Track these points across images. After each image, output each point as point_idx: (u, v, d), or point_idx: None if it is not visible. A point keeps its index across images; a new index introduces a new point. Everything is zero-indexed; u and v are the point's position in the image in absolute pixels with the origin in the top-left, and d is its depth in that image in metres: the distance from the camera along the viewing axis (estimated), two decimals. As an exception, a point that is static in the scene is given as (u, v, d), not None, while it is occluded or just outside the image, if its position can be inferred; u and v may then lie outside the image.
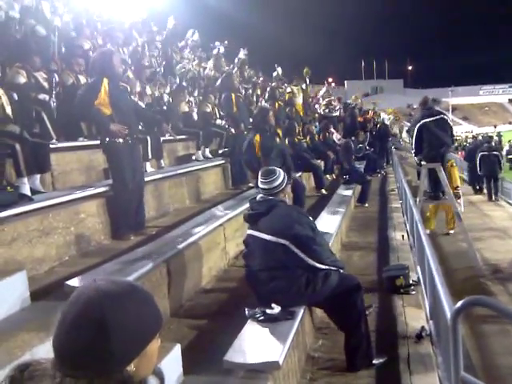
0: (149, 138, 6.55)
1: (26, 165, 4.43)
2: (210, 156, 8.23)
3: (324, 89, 17.50)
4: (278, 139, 6.82)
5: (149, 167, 6.67)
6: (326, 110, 15.31)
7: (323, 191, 9.57)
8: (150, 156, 6.62)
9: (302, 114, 12.26)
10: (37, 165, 4.65)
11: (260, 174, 3.64)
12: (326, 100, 15.75)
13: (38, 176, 4.69)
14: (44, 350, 2.16)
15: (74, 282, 3.13)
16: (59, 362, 1.00)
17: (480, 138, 25.61)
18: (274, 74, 15.24)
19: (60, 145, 5.44)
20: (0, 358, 2.07)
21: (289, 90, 12.81)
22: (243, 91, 10.67)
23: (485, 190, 16.81)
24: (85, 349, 0.98)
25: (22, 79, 5.25)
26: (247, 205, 3.85)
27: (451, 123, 8.64)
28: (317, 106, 15.55)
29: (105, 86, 4.51)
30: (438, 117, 8.27)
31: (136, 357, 1.04)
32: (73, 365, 0.98)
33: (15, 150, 4.39)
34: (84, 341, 0.98)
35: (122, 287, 1.06)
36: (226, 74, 9.02)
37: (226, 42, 13.68)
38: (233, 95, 8.05)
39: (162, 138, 7.36)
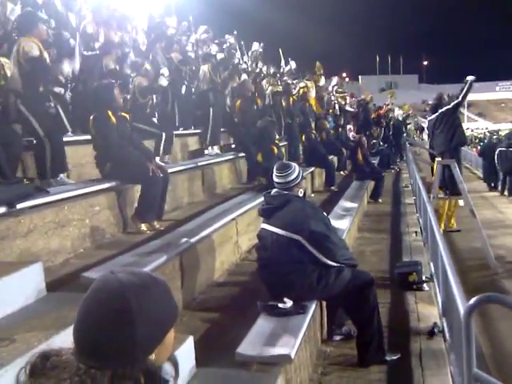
0: (163, 135, 6.57)
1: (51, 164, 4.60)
2: (220, 152, 8.25)
3: (334, 80, 17.29)
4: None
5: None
6: (343, 103, 15.24)
7: (333, 188, 9.55)
8: (160, 152, 6.57)
9: (315, 109, 12.21)
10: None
11: (275, 168, 3.63)
12: (340, 91, 15.67)
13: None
14: (60, 340, 2.19)
15: (90, 274, 3.18)
16: (82, 353, 1.00)
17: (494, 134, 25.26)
18: (287, 67, 15.11)
19: (75, 138, 5.49)
20: (17, 347, 2.11)
21: (302, 84, 12.74)
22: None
23: (499, 187, 16.58)
24: (110, 339, 0.98)
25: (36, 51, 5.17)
26: (260, 199, 3.86)
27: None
28: (333, 97, 15.42)
29: (112, 118, 4.76)
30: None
31: (158, 346, 1.06)
32: (97, 356, 0.99)
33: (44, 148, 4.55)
34: (110, 331, 0.98)
35: (143, 278, 1.07)
36: (241, 81, 9.02)
37: (235, 32, 13.50)
38: (239, 100, 8.25)
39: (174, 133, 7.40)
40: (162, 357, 1.10)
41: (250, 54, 13.98)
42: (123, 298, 1.00)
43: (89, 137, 5.21)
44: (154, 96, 7.15)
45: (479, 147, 29.91)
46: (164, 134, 6.55)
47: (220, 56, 9.57)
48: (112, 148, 4.74)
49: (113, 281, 1.03)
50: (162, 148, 6.55)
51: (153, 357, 1.05)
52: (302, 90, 12.22)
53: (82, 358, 1.00)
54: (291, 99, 10.73)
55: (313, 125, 10.65)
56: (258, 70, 12.18)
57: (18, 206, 3.54)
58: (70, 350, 1.04)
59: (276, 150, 6.81)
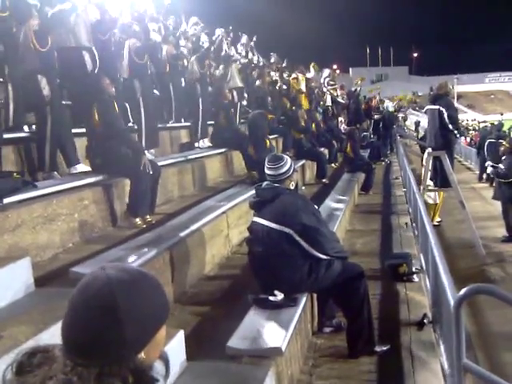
0: (143, 127, 6.47)
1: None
2: (210, 144, 8.18)
3: (326, 72, 17.25)
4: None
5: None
6: (335, 94, 15.20)
7: (324, 181, 9.57)
8: (143, 145, 6.21)
9: (304, 104, 12.14)
10: None
11: (267, 160, 3.61)
12: (332, 84, 15.63)
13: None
14: (48, 336, 2.17)
15: (79, 269, 3.15)
16: (69, 351, 0.99)
17: (489, 125, 25.42)
18: (272, 60, 15.00)
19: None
20: (5, 343, 2.09)
21: (294, 75, 12.71)
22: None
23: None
24: (97, 337, 0.97)
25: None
26: (251, 192, 3.85)
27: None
28: (325, 89, 15.39)
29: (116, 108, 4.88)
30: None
31: (147, 344, 1.04)
32: (84, 353, 0.97)
33: None
34: (96, 329, 0.97)
35: (133, 274, 1.05)
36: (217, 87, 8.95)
37: (231, 27, 13.39)
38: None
39: (166, 125, 7.35)
40: (153, 355, 1.08)
41: (239, 45, 13.87)
42: (110, 295, 0.98)
43: (80, 130, 5.19)
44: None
45: (468, 138, 30.13)
46: (144, 125, 6.47)
47: (206, 44, 9.45)
48: (113, 137, 4.76)
49: (101, 277, 1.01)
50: (143, 139, 6.45)
51: (142, 355, 1.03)
52: (292, 82, 12.19)
53: (69, 354, 0.98)
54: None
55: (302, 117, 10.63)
56: (247, 61, 12.08)
57: (6, 201, 3.50)
58: (58, 347, 1.02)
59: (268, 142, 6.78)
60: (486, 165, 10.55)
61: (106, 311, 0.97)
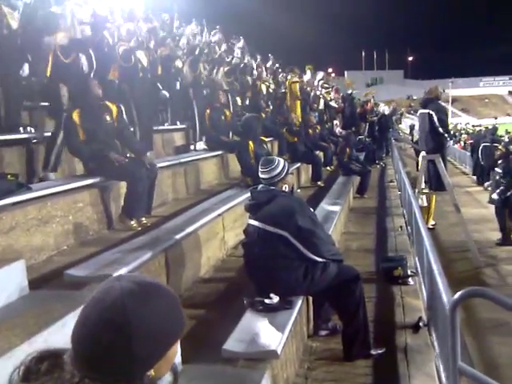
0: (137, 129, 6.45)
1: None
2: (206, 147, 8.18)
3: (320, 75, 17.27)
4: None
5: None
6: (328, 98, 15.22)
7: (319, 183, 9.58)
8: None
9: (297, 108, 12.16)
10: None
11: (260, 163, 3.62)
12: (326, 86, 15.64)
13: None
14: (42, 339, 2.16)
15: (73, 271, 3.14)
16: (78, 360, 0.97)
17: (483, 129, 25.55)
18: (269, 64, 15.04)
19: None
20: (-1, 346, 2.07)
21: (289, 77, 12.73)
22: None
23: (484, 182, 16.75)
24: (106, 352, 0.95)
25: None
26: (246, 195, 3.84)
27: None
28: (318, 92, 15.42)
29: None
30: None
31: (158, 361, 1.01)
32: (93, 367, 0.95)
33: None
34: (105, 344, 0.94)
35: (147, 289, 1.02)
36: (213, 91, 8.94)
37: (242, 38, 13.37)
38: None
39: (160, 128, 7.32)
40: (163, 370, 1.05)
41: (235, 48, 13.90)
42: (123, 311, 0.95)
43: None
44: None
45: (462, 142, 30.24)
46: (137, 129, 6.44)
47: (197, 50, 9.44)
48: (101, 140, 4.73)
49: (116, 289, 0.98)
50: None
51: (151, 372, 1.01)
52: (288, 82, 12.18)
53: (77, 364, 0.97)
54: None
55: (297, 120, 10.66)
56: (243, 64, 12.10)
57: (0, 203, 3.48)
58: (67, 352, 1.00)
59: (252, 145, 6.65)
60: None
61: (115, 327, 0.95)
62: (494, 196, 9.89)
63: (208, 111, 7.99)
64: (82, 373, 0.96)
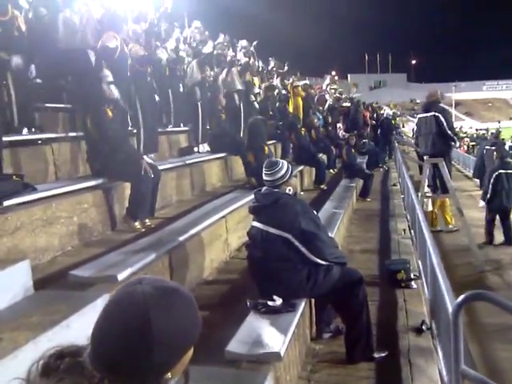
0: (142, 131, 6.47)
1: None
2: (209, 149, 8.19)
3: (328, 79, 17.33)
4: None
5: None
6: (334, 99, 15.29)
7: (322, 187, 9.58)
8: (141, 150, 6.19)
9: (301, 110, 12.18)
10: None
11: (264, 166, 3.63)
12: (334, 89, 15.71)
13: None
14: (47, 339, 2.17)
15: (77, 272, 3.15)
16: (98, 363, 0.98)
17: (483, 132, 25.55)
18: (270, 66, 15.02)
19: (63, 134, 5.43)
20: (4, 346, 2.09)
21: (290, 80, 12.78)
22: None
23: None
24: (128, 359, 0.96)
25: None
26: (250, 197, 3.85)
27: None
28: (327, 95, 15.48)
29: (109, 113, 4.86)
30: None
31: (175, 366, 1.04)
32: (113, 370, 0.97)
33: None
34: (126, 349, 0.96)
35: (168, 293, 1.04)
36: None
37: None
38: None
39: (164, 129, 7.31)
40: (177, 372, 1.08)
41: (239, 49, 13.90)
42: (145, 318, 0.97)
43: (77, 133, 5.19)
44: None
45: (465, 146, 30.22)
46: (142, 129, 6.45)
47: (207, 50, 9.45)
48: (107, 143, 4.73)
49: (138, 294, 0.99)
50: (141, 143, 6.39)
51: (168, 376, 1.03)
52: (298, 90, 12.24)
53: (97, 365, 0.98)
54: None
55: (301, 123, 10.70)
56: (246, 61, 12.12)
57: (5, 203, 3.50)
58: (86, 351, 1.01)
59: (267, 149, 6.77)
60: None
61: (137, 333, 0.97)
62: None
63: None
64: (102, 373, 0.97)
